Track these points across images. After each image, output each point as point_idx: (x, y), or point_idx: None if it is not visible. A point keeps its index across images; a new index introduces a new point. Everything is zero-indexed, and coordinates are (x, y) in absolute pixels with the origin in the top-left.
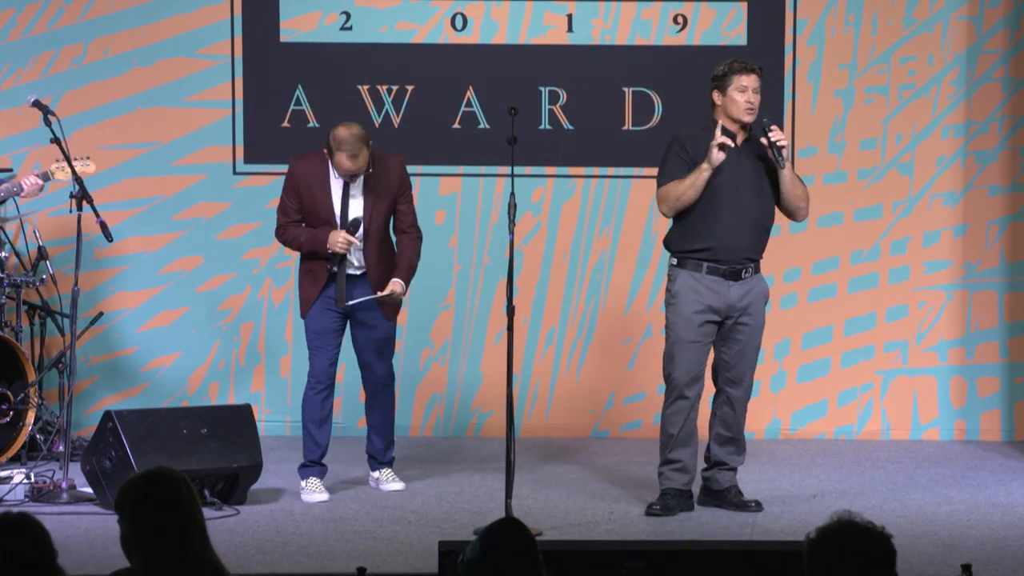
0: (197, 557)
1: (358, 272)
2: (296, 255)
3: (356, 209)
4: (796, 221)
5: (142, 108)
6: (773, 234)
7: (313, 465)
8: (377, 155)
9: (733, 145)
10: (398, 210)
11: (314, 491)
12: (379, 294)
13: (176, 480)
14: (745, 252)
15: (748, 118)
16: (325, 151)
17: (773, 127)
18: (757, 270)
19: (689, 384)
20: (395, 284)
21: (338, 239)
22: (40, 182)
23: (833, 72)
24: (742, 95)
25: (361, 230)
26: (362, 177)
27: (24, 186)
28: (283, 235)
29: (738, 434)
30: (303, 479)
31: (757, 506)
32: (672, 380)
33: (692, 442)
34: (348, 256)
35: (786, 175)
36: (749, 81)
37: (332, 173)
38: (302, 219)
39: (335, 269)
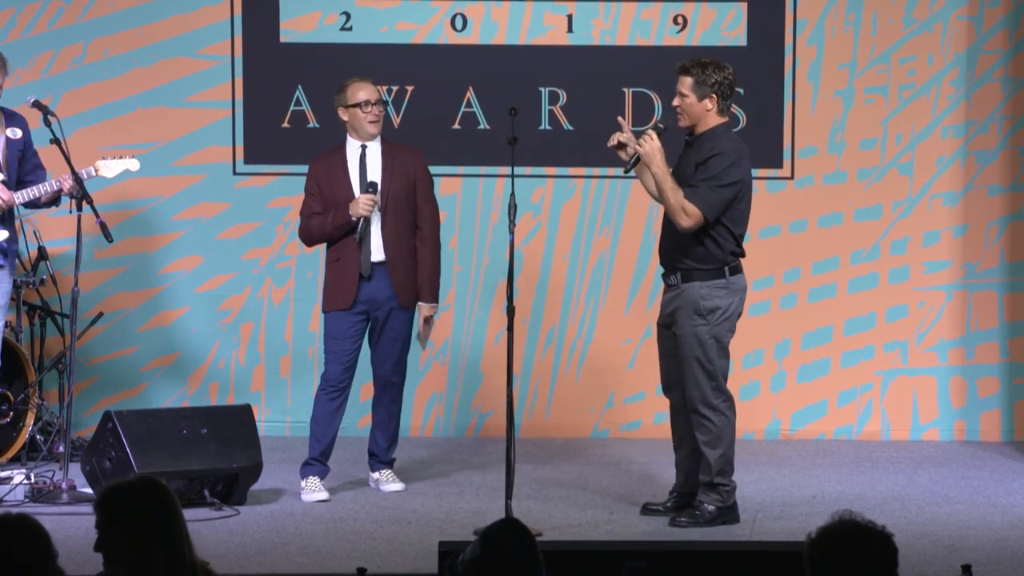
0: (183, 562)
1: (378, 260)
2: (297, 256)
3: (373, 176)
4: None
5: (142, 108)
6: (772, 234)
7: (315, 464)
8: (396, 143)
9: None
10: (419, 209)
11: (313, 490)
12: (420, 331)
13: (159, 487)
14: (668, 259)
15: (679, 123)
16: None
17: (648, 132)
18: (688, 278)
19: (664, 389)
20: (424, 311)
21: (359, 202)
22: (72, 183)
23: (833, 72)
24: (674, 99)
25: (379, 197)
26: (379, 153)
27: (64, 187)
28: (306, 229)
29: (701, 447)
30: (303, 478)
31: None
32: None
33: (683, 445)
34: (370, 224)
35: (655, 183)
36: (679, 84)
37: (348, 154)
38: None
39: (359, 239)
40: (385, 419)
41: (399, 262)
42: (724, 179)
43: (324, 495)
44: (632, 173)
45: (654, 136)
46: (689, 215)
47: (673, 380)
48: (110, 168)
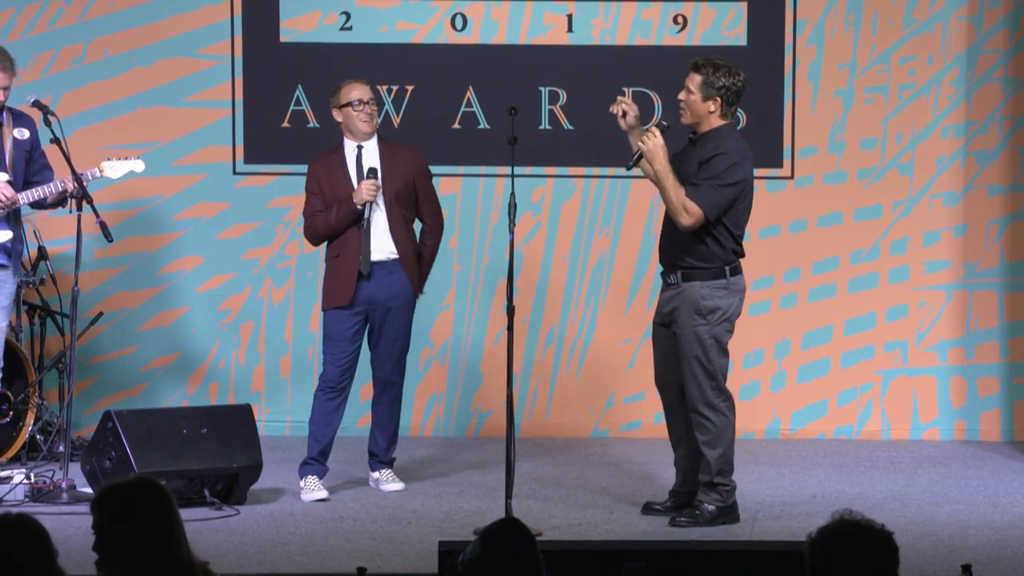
0: (182, 562)
1: (388, 258)
2: (297, 256)
3: (372, 163)
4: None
5: (142, 108)
6: (772, 234)
7: (313, 463)
8: (393, 141)
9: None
10: (420, 206)
11: (312, 490)
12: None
13: (157, 487)
14: (669, 258)
15: (681, 119)
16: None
17: (652, 129)
18: (689, 278)
19: (658, 388)
20: None
21: (362, 188)
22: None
23: (833, 72)
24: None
25: (380, 186)
26: (376, 150)
27: (68, 188)
28: (311, 226)
29: (701, 446)
30: (301, 478)
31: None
32: None
33: (681, 444)
34: (374, 210)
35: (657, 181)
36: (688, 79)
37: (347, 153)
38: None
39: (366, 227)
40: (385, 419)
41: (404, 258)
42: (727, 179)
43: (323, 494)
44: (633, 171)
45: (657, 133)
46: (690, 213)
47: (668, 378)
48: (115, 169)
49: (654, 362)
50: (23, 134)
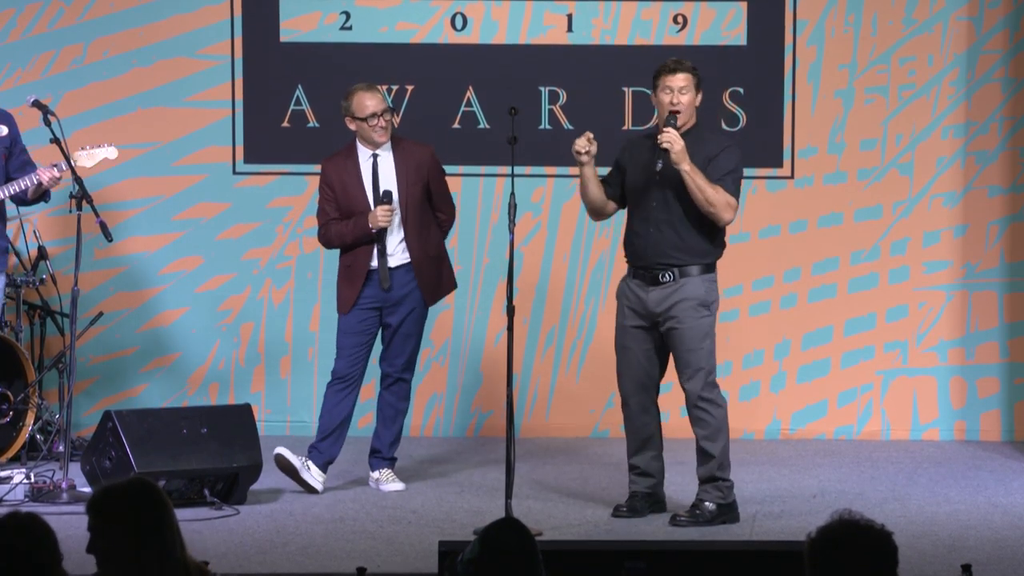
0: (176, 563)
1: (402, 263)
2: (297, 256)
3: (387, 185)
4: (718, 224)
5: (142, 108)
6: (772, 234)
7: (312, 450)
8: (405, 140)
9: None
10: (432, 196)
11: (310, 470)
12: None
13: (152, 488)
14: (660, 256)
15: (676, 122)
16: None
17: (667, 129)
18: (685, 274)
19: (631, 391)
20: None
21: (377, 214)
22: (56, 173)
23: (833, 72)
24: (667, 96)
25: (396, 206)
26: (391, 159)
27: (43, 180)
28: (326, 234)
29: (701, 441)
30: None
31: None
32: (619, 387)
33: (650, 447)
34: (388, 234)
35: (686, 179)
36: (674, 81)
37: (361, 159)
38: (341, 218)
39: (381, 247)
40: (391, 415)
41: (423, 263)
42: (740, 170)
43: (318, 485)
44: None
45: (678, 135)
46: (734, 208)
47: (645, 381)
48: (88, 158)
49: (627, 367)
50: (1, 131)
